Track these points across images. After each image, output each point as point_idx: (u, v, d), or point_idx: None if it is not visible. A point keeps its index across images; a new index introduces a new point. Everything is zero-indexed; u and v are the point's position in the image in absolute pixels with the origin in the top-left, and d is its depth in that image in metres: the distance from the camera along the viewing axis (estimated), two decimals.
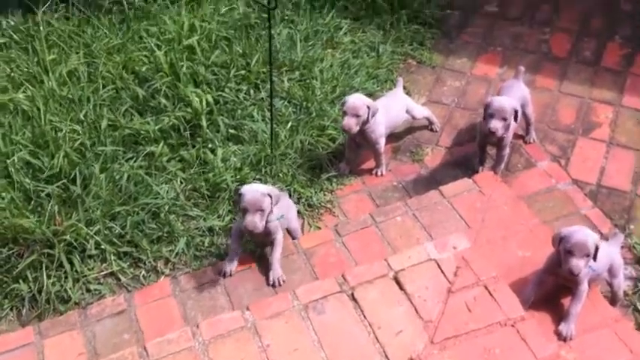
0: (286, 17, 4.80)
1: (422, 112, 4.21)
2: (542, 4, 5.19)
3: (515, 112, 3.60)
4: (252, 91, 4.25)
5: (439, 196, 3.62)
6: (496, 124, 3.57)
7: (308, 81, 4.38)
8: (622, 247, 3.51)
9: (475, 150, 3.98)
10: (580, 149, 4.12)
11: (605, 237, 3.57)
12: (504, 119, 3.57)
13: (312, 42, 4.65)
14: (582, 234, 2.89)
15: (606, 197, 3.85)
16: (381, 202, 3.87)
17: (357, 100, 3.72)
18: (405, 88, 4.42)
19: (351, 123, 3.69)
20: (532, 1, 5.22)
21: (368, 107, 3.73)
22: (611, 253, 3.20)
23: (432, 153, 4.15)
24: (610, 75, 4.59)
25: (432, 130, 4.26)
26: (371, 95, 4.35)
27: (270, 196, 3.12)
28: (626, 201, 3.82)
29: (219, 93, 4.14)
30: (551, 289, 3.11)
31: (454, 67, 4.73)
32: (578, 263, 2.86)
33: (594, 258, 2.90)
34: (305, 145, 4.04)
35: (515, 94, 3.87)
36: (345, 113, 3.71)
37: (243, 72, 4.28)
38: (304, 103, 4.23)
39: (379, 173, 4.02)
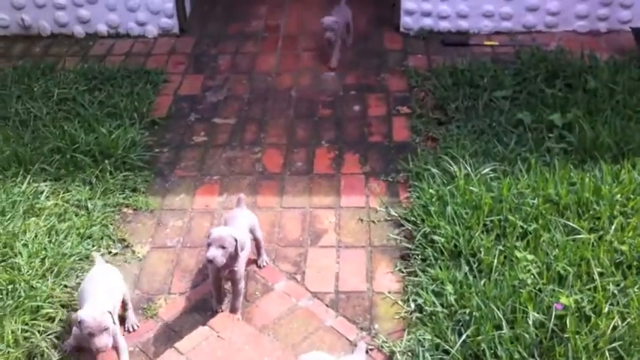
0: None
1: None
2: (248, 126, 5.28)
3: (236, 240, 3.48)
4: None
5: (177, 355, 3.32)
6: (214, 252, 3.43)
7: (11, 260, 3.90)
8: (372, 350, 3.50)
9: (211, 290, 3.78)
10: (312, 260, 4.10)
11: (354, 343, 3.54)
12: (223, 247, 3.43)
13: (9, 215, 4.19)
14: None
15: (346, 302, 3.83)
16: None
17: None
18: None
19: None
20: (238, 124, 5.30)
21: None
22: None
23: (165, 304, 3.85)
24: (325, 180, 4.72)
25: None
26: (87, 257, 4.01)
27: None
28: (366, 301, 3.83)
29: None
30: None
31: (174, 206, 4.54)
32: None
33: None
34: (18, 334, 3.53)
35: (241, 223, 3.80)
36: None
37: None
38: (9, 287, 3.72)
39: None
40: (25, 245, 4.01)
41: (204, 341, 3.39)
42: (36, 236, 4.08)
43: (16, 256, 3.94)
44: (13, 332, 3.53)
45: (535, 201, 4.11)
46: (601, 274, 3.62)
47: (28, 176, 4.53)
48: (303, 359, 2.83)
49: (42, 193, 4.43)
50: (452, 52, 5.99)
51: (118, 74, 5.72)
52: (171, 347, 3.42)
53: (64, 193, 4.47)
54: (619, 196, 4.12)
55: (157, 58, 6.12)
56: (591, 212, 4.06)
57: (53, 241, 4.08)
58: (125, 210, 4.49)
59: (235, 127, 5.27)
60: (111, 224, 4.34)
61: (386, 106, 5.43)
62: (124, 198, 4.53)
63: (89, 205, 4.39)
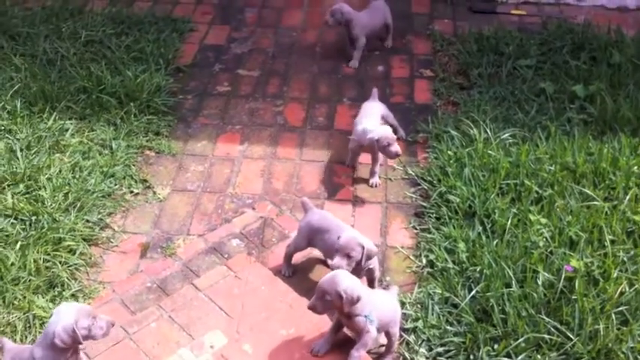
0: (2, 128, 4.40)
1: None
2: (271, 79, 5.33)
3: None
4: None
5: (194, 291, 3.42)
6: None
7: (35, 192, 4.00)
8: None
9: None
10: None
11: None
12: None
13: (35, 149, 4.29)
14: None
15: None
16: (136, 308, 3.56)
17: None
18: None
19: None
20: (261, 77, 5.34)
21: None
22: (394, 303, 3.30)
23: (184, 244, 3.95)
24: (345, 136, 4.75)
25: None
26: (109, 195, 4.11)
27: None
28: (379, 254, 3.91)
29: None
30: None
31: (195, 152, 4.63)
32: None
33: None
34: (40, 264, 3.64)
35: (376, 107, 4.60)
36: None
37: None
38: (33, 218, 3.83)
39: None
40: (50, 179, 4.11)
41: (222, 280, 3.48)
42: (60, 171, 4.18)
43: (40, 189, 4.05)
44: (35, 261, 3.64)
45: (552, 168, 4.15)
46: (612, 242, 3.68)
47: (54, 113, 4.62)
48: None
49: (67, 130, 4.52)
50: (479, 18, 5.99)
51: (146, 20, 5.77)
52: (189, 284, 3.51)
53: (88, 132, 4.56)
54: (636, 167, 4.16)
55: (184, 6, 6.16)
56: (607, 182, 4.10)
57: (77, 177, 4.18)
58: (148, 152, 4.57)
59: (259, 80, 5.32)
60: (133, 165, 4.43)
61: (409, 68, 5.45)
62: (147, 140, 4.62)
63: (113, 145, 4.48)
